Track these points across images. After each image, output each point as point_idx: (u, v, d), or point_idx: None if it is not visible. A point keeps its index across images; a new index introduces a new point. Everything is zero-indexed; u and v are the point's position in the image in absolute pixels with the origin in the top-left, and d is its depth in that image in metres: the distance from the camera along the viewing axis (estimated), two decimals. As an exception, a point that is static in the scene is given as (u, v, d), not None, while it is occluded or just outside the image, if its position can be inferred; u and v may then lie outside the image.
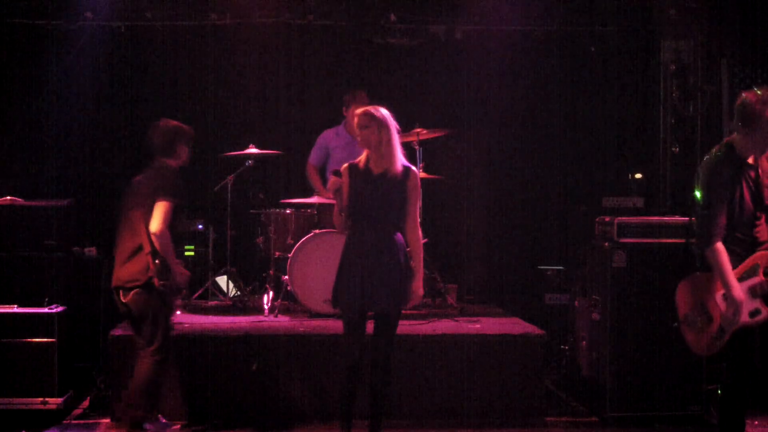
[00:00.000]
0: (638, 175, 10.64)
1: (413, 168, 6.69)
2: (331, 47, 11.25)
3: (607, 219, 8.41)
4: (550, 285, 10.19)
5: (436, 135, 9.71)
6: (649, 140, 11.01)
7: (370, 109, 6.64)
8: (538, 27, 11.04)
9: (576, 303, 9.02)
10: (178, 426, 7.74)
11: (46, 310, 8.10)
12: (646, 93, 11.09)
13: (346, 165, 6.74)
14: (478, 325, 8.65)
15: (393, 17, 10.97)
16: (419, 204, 6.72)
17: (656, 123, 10.89)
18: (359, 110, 6.69)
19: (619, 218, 8.30)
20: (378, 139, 6.52)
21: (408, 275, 6.62)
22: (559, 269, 10.18)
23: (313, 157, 10.03)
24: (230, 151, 9.95)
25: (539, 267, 10.37)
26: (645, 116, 11.09)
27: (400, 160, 6.61)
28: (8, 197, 9.01)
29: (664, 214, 9.32)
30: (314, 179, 9.98)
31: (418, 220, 6.80)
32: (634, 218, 8.39)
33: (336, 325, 8.41)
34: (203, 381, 7.93)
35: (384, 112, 6.61)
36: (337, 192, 6.75)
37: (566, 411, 8.59)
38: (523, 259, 10.98)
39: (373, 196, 6.54)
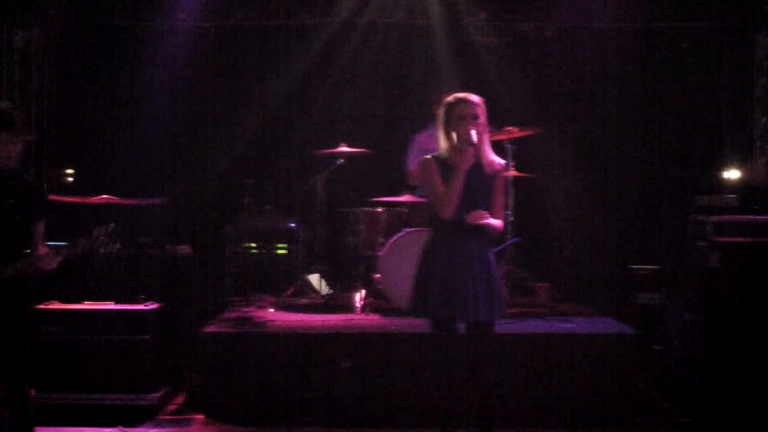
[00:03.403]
0: (732, 174, 10.48)
1: (502, 163, 6.47)
2: (420, 46, 11.24)
3: (702, 218, 8.29)
4: (642, 284, 10.06)
5: (527, 133, 9.64)
6: (743, 138, 10.83)
7: (476, 97, 6.32)
8: (628, 23, 10.92)
9: (669, 303, 8.91)
10: None
11: (141, 307, 8.19)
12: (739, 90, 10.90)
13: (429, 157, 6.39)
14: (569, 325, 8.57)
15: (482, 15, 10.94)
16: (503, 200, 6.52)
17: (750, 120, 10.71)
18: (469, 96, 6.30)
19: (715, 216, 8.18)
20: (482, 131, 6.24)
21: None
22: (652, 268, 10.05)
23: (413, 162, 9.93)
24: (321, 150, 10.00)
25: (631, 266, 10.25)
26: (738, 114, 10.90)
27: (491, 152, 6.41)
28: (104, 196, 9.16)
29: (759, 213, 9.16)
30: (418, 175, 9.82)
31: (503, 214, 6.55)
32: (730, 216, 8.26)
33: (426, 324, 8.44)
34: (295, 379, 7.96)
35: None
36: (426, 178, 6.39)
37: (658, 412, 8.48)
38: (615, 258, 10.85)
39: (464, 191, 6.22)
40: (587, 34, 11.04)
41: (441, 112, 6.37)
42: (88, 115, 11.00)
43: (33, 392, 6.58)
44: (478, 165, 6.25)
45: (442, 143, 6.33)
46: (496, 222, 6.27)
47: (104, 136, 10.92)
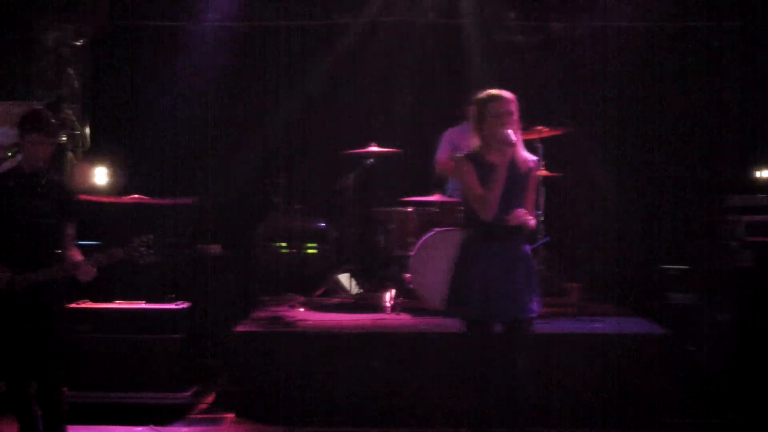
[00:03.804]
0: (765, 173, 10.41)
1: (535, 159, 6.40)
2: (451, 45, 11.22)
3: (734, 217, 8.24)
4: (673, 284, 10.00)
5: (557, 133, 9.60)
6: (775, 137, 10.78)
7: (509, 93, 6.24)
8: (659, 23, 10.88)
9: (700, 303, 8.86)
10: None
11: (172, 306, 8.23)
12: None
13: (462, 156, 6.30)
14: (599, 325, 8.54)
15: (513, 15, 10.93)
16: (535, 197, 6.44)
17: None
18: (503, 93, 6.21)
19: (747, 216, 8.13)
20: (515, 128, 6.15)
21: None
22: (683, 268, 9.99)
23: (441, 153, 9.82)
24: (351, 150, 10.00)
25: (662, 266, 10.19)
26: (770, 112, 10.85)
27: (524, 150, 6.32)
28: (135, 195, 9.21)
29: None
30: (449, 165, 9.76)
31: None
32: (763, 216, 8.21)
33: (457, 324, 8.42)
34: (326, 378, 7.97)
35: None
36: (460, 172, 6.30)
37: (689, 413, 8.43)
38: (646, 258, 10.80)
39: (502, 191, 6.11)
40: (618, 34, 10.99)
41: (474, 108, 6.30)
42: (120, 115, 11.05)
43: (65, 390, 6.61)
44: (513, 163, 6.16)
45: (476, 140, 6.26)
46: (532, 221, 6.23)
47: (135, 136, 10.97)
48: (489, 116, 6.15)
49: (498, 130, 6.07)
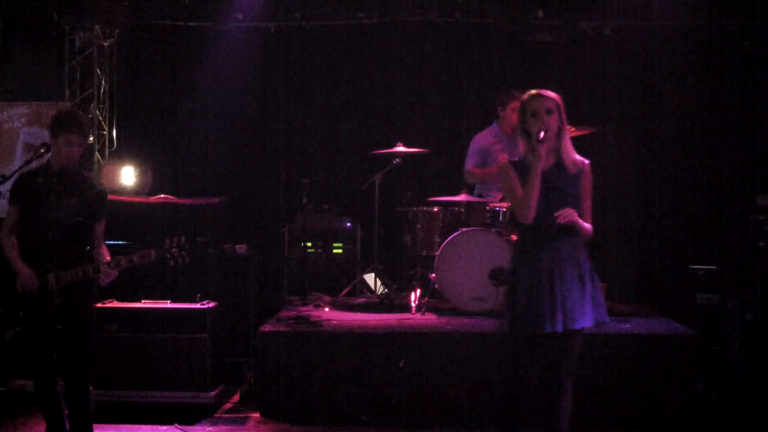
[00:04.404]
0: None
1: (587, 162, 6.10)
2: (478, 44, 11.19)
3: (763, 217, 8.18)
4: (702, 284, 9.95)
5: (585, 132, 9.55)
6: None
7: (551, 92, 6.02)
8: (688, 22, 10.81)
9: (729, 303, 8.80)
10: None
11: (198, 305, 8.25)
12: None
13: (505, 161, 6.10)
14: (627, 325, 8.49)
15: (541, 14, 10.89)
16: (590, 202, 6.11)
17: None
18: (542, 91, 6.02)
19: (776, 216, 8.09)
20: (558, 128, 5.94)
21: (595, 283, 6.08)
22: (712, 268, 9.93)
23: (471, 162, 9.73)
24: (378, 150, 10.00)
25: (690, 266, 10.13)
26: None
27: (574, 151, 6.09)
28: (162, 195, 9.24)
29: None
30: (479, 173, 9.76)
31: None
32: (791, 216, 8.16)
33: (483, 324, 8.42)
34: (351, 378, 7.96)
35: None
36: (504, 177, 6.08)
37: (718, 414, 8.38)
38: (674, 258, 10.74)
39: (546, 193, 5.91)
40: (647, 33, 10.93)
41: (518, 111, 6.09)
42: (147, 115, 11.09)
43: (91, 389, 6.64)
44: (560, 165, 5.97)
45: (521, 144, 6.05)
46: (585, 224, 5.96)
47: (162, 136, 11.01)
48: (528, 115, 5.96)
49: (533, 129, 5.91)
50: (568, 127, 7.42)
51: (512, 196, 6.02)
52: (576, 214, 5.85)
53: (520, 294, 5.92)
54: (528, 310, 5.88)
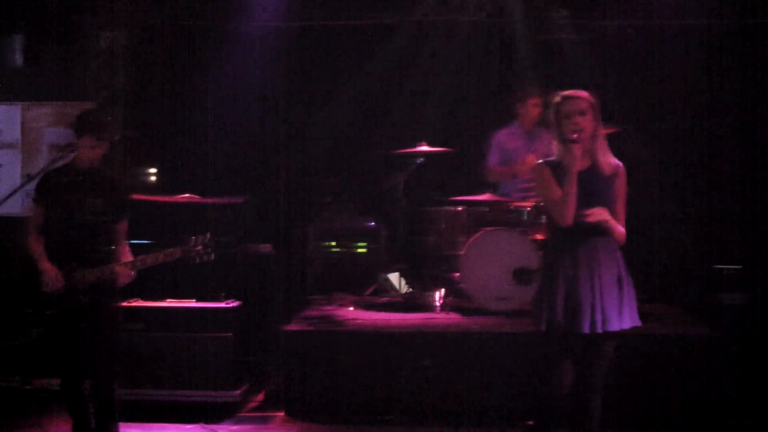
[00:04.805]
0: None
1: (621, 164, 6.11)
2: (502, 44, 11.17)
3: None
4: (726, 284, 9.90)
5: (609, 132, 9.50)
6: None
7: (585, 93, 6.02)
8: (712, 21, 10.74)
9: (754, 303, 8.76)
10: None
11: (222, 305, 8.27)
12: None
13: (540, 162, 6.10)
14: (650, 325, 8.42)
15: (564, 13, 10.86)
16: (624, 205, 6.11)
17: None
18: (575, 92, 6.01)
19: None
20: (592, 129, 5.94)
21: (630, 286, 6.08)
22: (736, 268, 9.89)
23: (492, 160, 9.77)
24: (401, 149, 9.99)
25: (716, 266, 10.09)
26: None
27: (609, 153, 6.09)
28: (186, 194, 9.25)
29: None
30: (501, 170, 9.78)
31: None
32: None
33: (507, 323, 8.40)
34: (375, 377, 7.97)
35: None
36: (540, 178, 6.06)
37: (744, 415, 8.34)
38: (698, 258, 10.69)
39: (580, 195, 5.89)
40: (671, 32, 10.88)
41: (552, 113, 6.05)
42: (171, 114, 11.11)
43: (117, 388, 6.67)
44: (596, 167, 5.96)
45: (555, 146, 6.04)
46: (618, 226, 5.95)
47: (187, 135, 11.03)
48: (562, 117, 5.94)
49: (565, 130, 5.91)
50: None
51: (548, 198, 6.01)
52: (607, 213, 5.85)
53: (558, 294, 5.91)
54: (566, 311, 5.88)
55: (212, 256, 6.51)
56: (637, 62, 11.02)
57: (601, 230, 5.90)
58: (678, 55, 10.88)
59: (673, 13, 10.73)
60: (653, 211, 10.91)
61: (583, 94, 5.99)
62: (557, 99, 6.03)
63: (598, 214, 5.83)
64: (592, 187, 5.91)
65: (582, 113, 5.89)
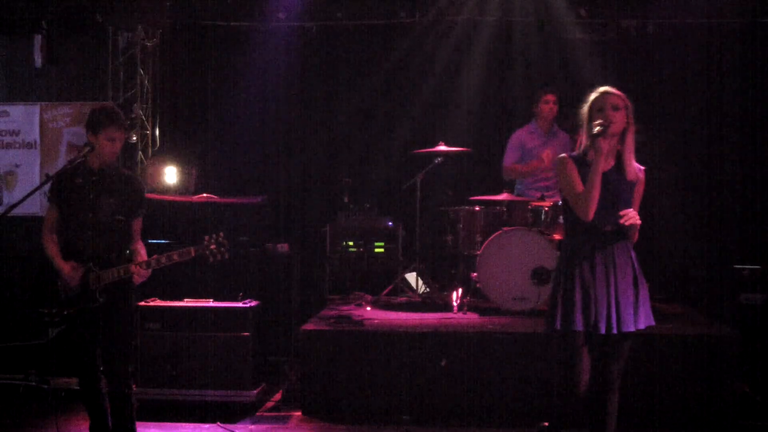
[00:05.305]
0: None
1: (643, 168, 6.06)
2: (519, 43, 11.15)
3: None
4: (745, 284, 9.85)
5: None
6: None
7: (619, 91, 5.99)
8: (733, 19, 10.71)
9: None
10: None
11: (240, 304, 8.27)
12: None
13: (564, 156, 6.01)
14: (669, 325, 8.42)
15: (583, 12, 10.84)
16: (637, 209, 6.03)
17: None
18: (610, 88, 5.98)
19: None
20: (622, 127, 5.89)
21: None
22: (755, 268, 9.83)
23: (509, 158, 9.85)
24: (419, 149, 9.99)
25: (734, 266, 10.03)
26: None
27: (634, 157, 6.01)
28: (205, 194, 9.28)
29: None
30: (518, 169, 9.79)
31: None
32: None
33: (525, 323, 8.39)
34: (392, 377, 7.96)
35: None
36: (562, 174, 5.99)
37: (762, 415, 8.30)
38: (718, 258, 10.65)
39: (603, 195, 5.85)
40: (691, 31, 10.84)
41: (584, 110, 5.99)
42: (189, 114, 11.15)
43: (134, 387, 6.68)
44: (620, 168, 5.92)
45: (583, 140, 5.96)
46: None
47: (205, 135, 11.06)
48: (595, 110, 5.89)
49: (595, 123, 5.83)
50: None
51: (571, 192, 5.95)
52: (638, 216, 5.81)
53: (575, 294, 5.88)
54: (584, 311, 5.86)
55: (226, 255, 6.51)
56: (655, 60, 10.99)
57: (623, 232, 5.89)
58: (700, 53, 10.85)
59: (695, 11, 10.70)
60: (671, 210, 10.88)
61: (618, 91, 5.97)
62: (593, 95, 6.00)
63: (633, 217, 5.79)
64: (614, 187, 5.89)
65: (615, 108, 5.86)
